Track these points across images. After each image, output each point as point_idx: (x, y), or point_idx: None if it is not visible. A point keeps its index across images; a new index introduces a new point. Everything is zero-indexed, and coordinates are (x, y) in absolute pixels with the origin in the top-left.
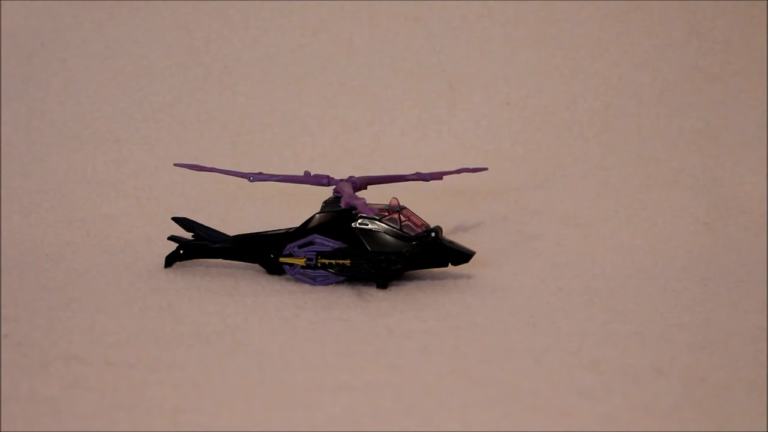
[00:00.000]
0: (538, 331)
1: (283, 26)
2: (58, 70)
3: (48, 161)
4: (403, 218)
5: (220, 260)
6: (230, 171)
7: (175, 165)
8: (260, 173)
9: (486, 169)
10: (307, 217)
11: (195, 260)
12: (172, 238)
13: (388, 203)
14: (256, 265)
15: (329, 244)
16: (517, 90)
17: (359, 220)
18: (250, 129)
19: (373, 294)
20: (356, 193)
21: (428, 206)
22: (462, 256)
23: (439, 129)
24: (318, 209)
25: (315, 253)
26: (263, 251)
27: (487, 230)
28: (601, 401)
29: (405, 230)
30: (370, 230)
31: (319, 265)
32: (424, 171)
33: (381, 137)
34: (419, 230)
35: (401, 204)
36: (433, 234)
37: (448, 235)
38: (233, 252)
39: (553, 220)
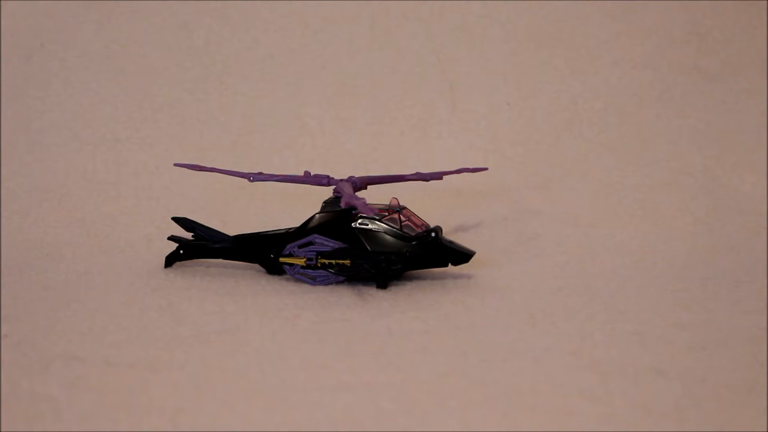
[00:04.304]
0: (538, 331)
1: (283, 26)
2: (58, 70)
3: (48, 161)
4: (403, 218)
5: (220, 260)
6: (230, 171)
7: (175, 165)
8: (260, 173)
9: (486, 169)
10: (307, 217)
11: (195, 260)
12: (172, 238)
13: (388, 203)
14: (256, 265)
15: (329, 244)
16: (517, 90)
17: (359, 220)
18: (250, 129)
19: (373, 294)
20: (356, 193)
21: (428, 206)
22: (462, 256)
23: (439, 129)
24: (318, 209)
25: (315, 253)
26: (263, 251)
27: (487, 230)
28: (601, 401)
29: (405, 230)
30: (370, 230)
31: (319, 265)
32: (424, 171)
33: (381, 137)
34: (419, 230)
35: (401, 204)
36: (433, 234)
37: (448, 235)
38: (233, 252)
39: (553, 220)
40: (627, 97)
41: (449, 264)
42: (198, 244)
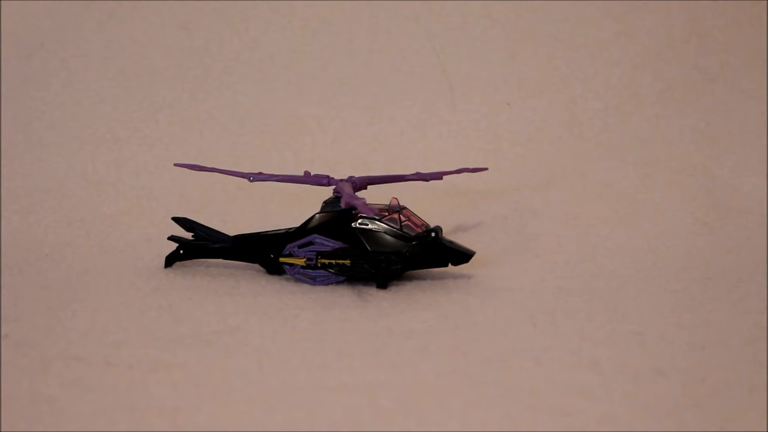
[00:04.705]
0: (538, 331)
1: (283, 26)
2: (58, 70)
3: (48, 161)
4: (403, 218)
5: (220, 260)
6: (230, 171)
7: (175, 165)
8: (260, 173)
9: (486, 169)
10: (307, 217)
11: (195, 260)
12: (172, 238)
13: (388, 203)
14: (256, 265)
15: (329, 244)
16: (517, 90)
17: (359, 220)
18: (250, 129)
19: (373, 294)
20: (356, 193)
21: (428, 206)
22: (462, 256)
23: (439, 129)
24: (318, 209)
25: (315, 253)
26: (263, 251)
27: (487, 230)
28: (601, 401)
29: (405, 230)
30: (370, 230)
31: (319, 265)
32: (424, 171)
33: (381, 137)
34: (419, 230)
35: (401, 204)
36: (433, 234)
37: (448, 235)
38: (233, 252)
39: (553, 220)
40: (627, 97)
41: (449, 264)
42: (198, 244)
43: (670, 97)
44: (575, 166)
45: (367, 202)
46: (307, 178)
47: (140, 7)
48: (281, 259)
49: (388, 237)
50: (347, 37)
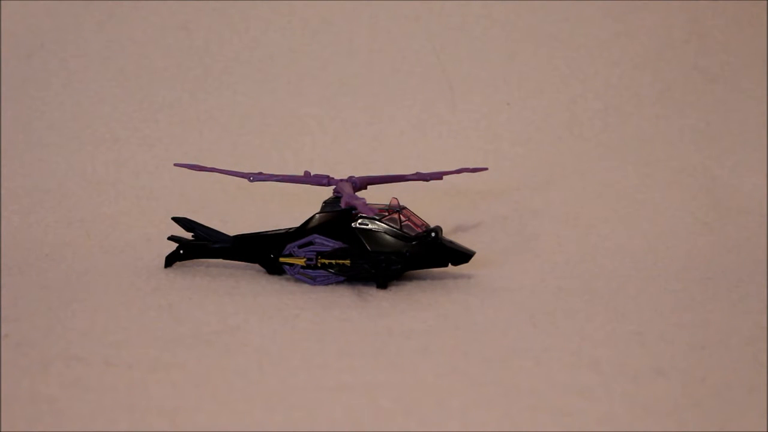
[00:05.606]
0: (538, 331)
1: (283, 26)
2: (58, 70)
3: (48, 161)
4: (403, 218)
5: (220, 260)
6: (230, 171)
7: (175, 165)
8: (260, 173)
9: (486, 169)
10: (307, 217)
11: (195, 260)
12: (172, 238)
13: (388, 203)
14: (256, 265)
15: (329, 244)
16: (517, 90)
17: (359, 220)
18: (250, 129)
19: (373, 294)
20: (356, 193)
21: (428, 206)
22: (462, 256)
23: (439, 129)
24: (318, 209)
25: (315, 253)
26: (263, 251)
27: (487, 230)
28: (601, 401)
29: (405, 230)
30: (370, 230)
31: (319, 265)
32: (424, 171)
33: (381, 137)
34: (419, 230)
35: (401, 204)
36: (433, 234)
37: (448, 235)
38: (233, 252)
39: (553, 220)
40: (627, 97)
41: (449, 264)
42: (198, 244)
43: (670, 97)
44: (575, 166)
45: (367, 202)
46: (307, 178)
47: (140, 7)
48: (281, 259)
49: (388, 237)
50: (347, 37)
